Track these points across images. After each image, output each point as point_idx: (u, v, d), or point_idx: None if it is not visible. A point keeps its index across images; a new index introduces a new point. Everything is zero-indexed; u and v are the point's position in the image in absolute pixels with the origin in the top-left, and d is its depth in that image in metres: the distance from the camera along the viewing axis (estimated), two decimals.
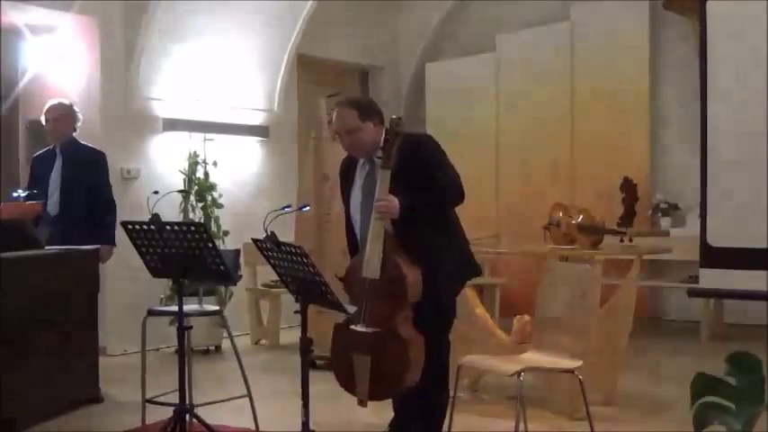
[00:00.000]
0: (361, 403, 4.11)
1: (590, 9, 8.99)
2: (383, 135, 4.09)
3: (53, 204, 6.03)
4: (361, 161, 4.33)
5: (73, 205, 6.02)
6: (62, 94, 7.64)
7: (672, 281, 8.23)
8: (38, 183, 6.15)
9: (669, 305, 8.84)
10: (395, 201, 3.99)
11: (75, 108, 6.27)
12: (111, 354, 7.15)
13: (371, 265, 4.03)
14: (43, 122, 6.22)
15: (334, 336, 4.22)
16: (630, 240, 6.01)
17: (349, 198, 4.39)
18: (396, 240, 4.06)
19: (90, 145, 6.34)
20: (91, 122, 7.55)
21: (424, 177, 4.07)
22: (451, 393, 4.30)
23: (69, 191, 6.05)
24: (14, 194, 6.15)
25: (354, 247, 4.38)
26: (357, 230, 4.32)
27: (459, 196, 4.16)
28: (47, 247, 5.59)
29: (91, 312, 5.82)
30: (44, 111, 6.21)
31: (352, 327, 4.04)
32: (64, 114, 6.17)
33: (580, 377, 4.15)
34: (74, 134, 6.22)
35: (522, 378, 4.00)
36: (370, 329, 3.99)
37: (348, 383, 4.14)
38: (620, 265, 6.25)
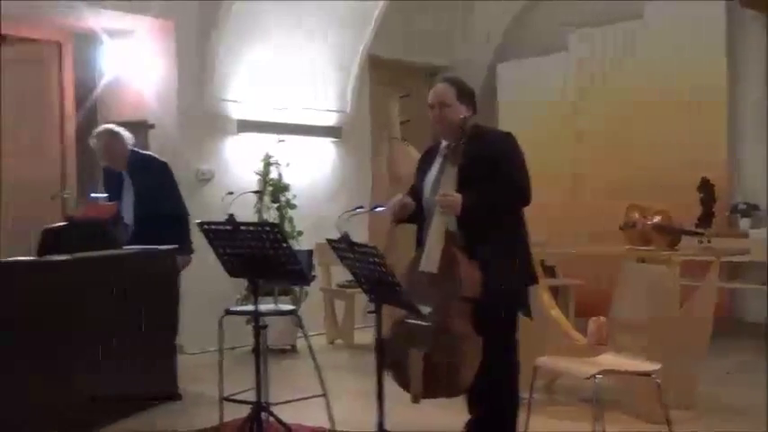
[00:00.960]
0: (415, 399, 4.09)
1: (663, 7, 8.82)
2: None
3: (131, 227, 6.02)
4: (441, 148, 4.32)
5: (150, 223, 5.94)
6: (138, 97, 7.82)
7: (751, 282, 8.04)
8: (111, 198, 6.17)
9: (749, 307, 8.64)
10: (458, 197, 4.00)
11: (116, 129, 6.14)
12: (188, 352, 7.24)
13: (430, 258, 4.04)
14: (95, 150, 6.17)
15: (392, 330, 4.20)
16: (709, 241, 5.90)
17: (422, 188, 4.38)
18: (456, 237, 4.06)
19: (152, 154, 6.34)
20: (167, 124, 7.72)
21: (492, 173, 4.06)
22: (527, 395, 4.27)
23: (143, 212, 6.01)
24: (93, 195, 6.27)
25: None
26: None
27: (524, 198, 4.15)
28: (125, 248, 5.69)
29: (169, 311, 5.91)
30: (90, 140, 6.17)
31: (408, 320, 4.02)
32: (107, 142, 6.07)
33: (658, 380, 4.07)
34: (129, 150, 6.11)
35: (597, 380, 3.95)
36: (425, 323, 3.95)
37: (403, 379, 4.12)
38: (698, 266, 6.15)
